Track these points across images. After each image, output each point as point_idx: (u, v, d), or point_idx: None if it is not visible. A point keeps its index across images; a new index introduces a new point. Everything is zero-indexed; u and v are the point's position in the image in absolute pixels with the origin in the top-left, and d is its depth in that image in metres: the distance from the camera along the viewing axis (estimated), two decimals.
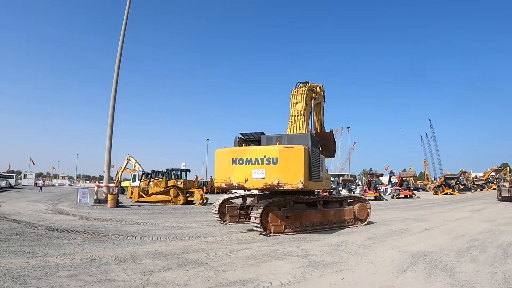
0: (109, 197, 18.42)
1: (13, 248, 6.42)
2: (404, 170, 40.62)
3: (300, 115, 11.53)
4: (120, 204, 18.99)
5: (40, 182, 44.64)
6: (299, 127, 11.44)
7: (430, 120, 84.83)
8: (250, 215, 8.85)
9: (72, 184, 79.23)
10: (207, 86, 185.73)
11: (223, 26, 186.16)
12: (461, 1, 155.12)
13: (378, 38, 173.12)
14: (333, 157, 14.31)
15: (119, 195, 26.20)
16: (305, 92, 11.80)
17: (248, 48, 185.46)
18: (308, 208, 9.54)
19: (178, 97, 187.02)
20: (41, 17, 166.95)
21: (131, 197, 25.34)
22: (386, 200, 29.50)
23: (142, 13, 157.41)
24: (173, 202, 22.41)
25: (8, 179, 40.29)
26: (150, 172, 28.87)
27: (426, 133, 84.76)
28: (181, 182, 23.02)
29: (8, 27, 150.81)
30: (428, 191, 49.94)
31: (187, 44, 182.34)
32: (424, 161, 77.92)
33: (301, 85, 12.20)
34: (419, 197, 32.69)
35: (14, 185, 42.18)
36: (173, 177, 25.13)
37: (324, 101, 14.52)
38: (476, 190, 41.71)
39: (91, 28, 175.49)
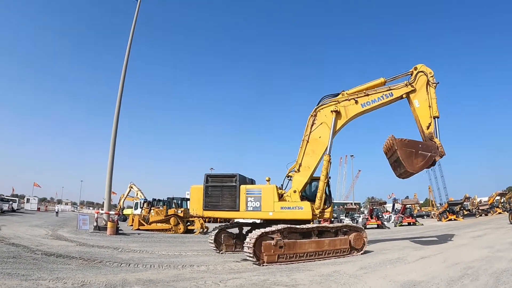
0: (109, 224, 18.49)
1: (8, 271, 6.57)
2: (407, 197, 40.04)
3: (302, 140, 11.41)
4: (119, 232, 19.01)
5: (57, 208, 49.21)
6: (299, 153, 11.37)
7: None
8: (244, 245, 8.91)
9: (75, 210, 79.08)
10: (214, 112, 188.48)
11: (234, 52, 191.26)
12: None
13: (380, 56, 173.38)
14: (414, 170, 10.77)
15: (122, 222, 26.28)
16: (311, 113, 11.52)
17: (253, 73, 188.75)
18: (302, 238, 9.56)
19: (183, 124, 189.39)
20: (46, 29, 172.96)
21: (132, 225, 25.31)
22: (389, 228, 29.01)
23: (146, 43, 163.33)
24: (173, 230, 22.38)
25: (10, 202, 40.40)
26: (151, 200, 29.02)
27: None
28: (182, 211, 23.12)
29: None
30: (432, 217, 48.79)
31: (191, 70, 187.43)
32: (429, 187, 76.61)
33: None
34: (422, 224, 32.03)
35: (17, 209, 42.17)
36: (173, 205, 25.22)
37: (435, 83, 11.59)
38: (480, 215, 40.51)
39: (95, 48, 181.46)
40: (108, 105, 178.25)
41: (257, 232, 8.80)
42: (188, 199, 27.72)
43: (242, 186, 10.49)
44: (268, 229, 8.99)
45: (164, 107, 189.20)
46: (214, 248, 11.58)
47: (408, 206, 36.07)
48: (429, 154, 10.83)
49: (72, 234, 16.98)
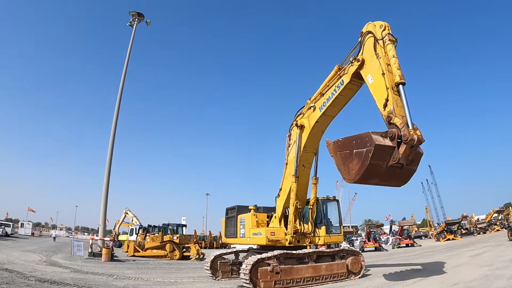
0: (104, 250, 18.27)
1: None
2: (404, 219, 39.73)
3: (284, 164, 10.94)
4: (115, 258, 18.74)
5: (54, 233, 48.46)
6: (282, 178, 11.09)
7: (430, 166, 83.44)
8: (240, 271, 8.88)
9: (70, 236, 77.53)
10: (213, 135, 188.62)
11: (231, 76, 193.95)
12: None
13: None
14: (351, 180, 7.29)
15: (117, 248, 25.91)
16: (287, 134, 10.78)
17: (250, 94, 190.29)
18: (299, 263, 9.53)
19: (180, 148, 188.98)
20: (48, 47, 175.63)
21: (127, 251, 24.94)
22: (387, 250, 28.63)
23: (140, 66, 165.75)
24: (169, 257, 22.08)
25: (3, 227, 39.61)
26: (147, 227, 28.79)
27: (426, 180, 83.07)
28: (177, 237, 22.93)
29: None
30: (430, 238, 48.07)
31: (186, 96, 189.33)
32: (426, 208, 75.90)
33: None
34: (420, 245, 31.54)
35: (11, 234, 41.30)
36: (169, 232, 25.04)
37: (386, 35, 7.62)
38: (479, 233, 39.95)
39: (90, 79, 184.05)
40: (104, 129, 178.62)
41: (253, 258, 8.79)
42: (184, 225, 28.58)
43: (239, 216, 11.72)
44: (264, 255, 8.99)
45: (162, 130, 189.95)
46: (210, 275, 11.46)
47: (405, 227, 35.88)
48: (365, 150, 6.93)
49: (66, 260, 16.72)
